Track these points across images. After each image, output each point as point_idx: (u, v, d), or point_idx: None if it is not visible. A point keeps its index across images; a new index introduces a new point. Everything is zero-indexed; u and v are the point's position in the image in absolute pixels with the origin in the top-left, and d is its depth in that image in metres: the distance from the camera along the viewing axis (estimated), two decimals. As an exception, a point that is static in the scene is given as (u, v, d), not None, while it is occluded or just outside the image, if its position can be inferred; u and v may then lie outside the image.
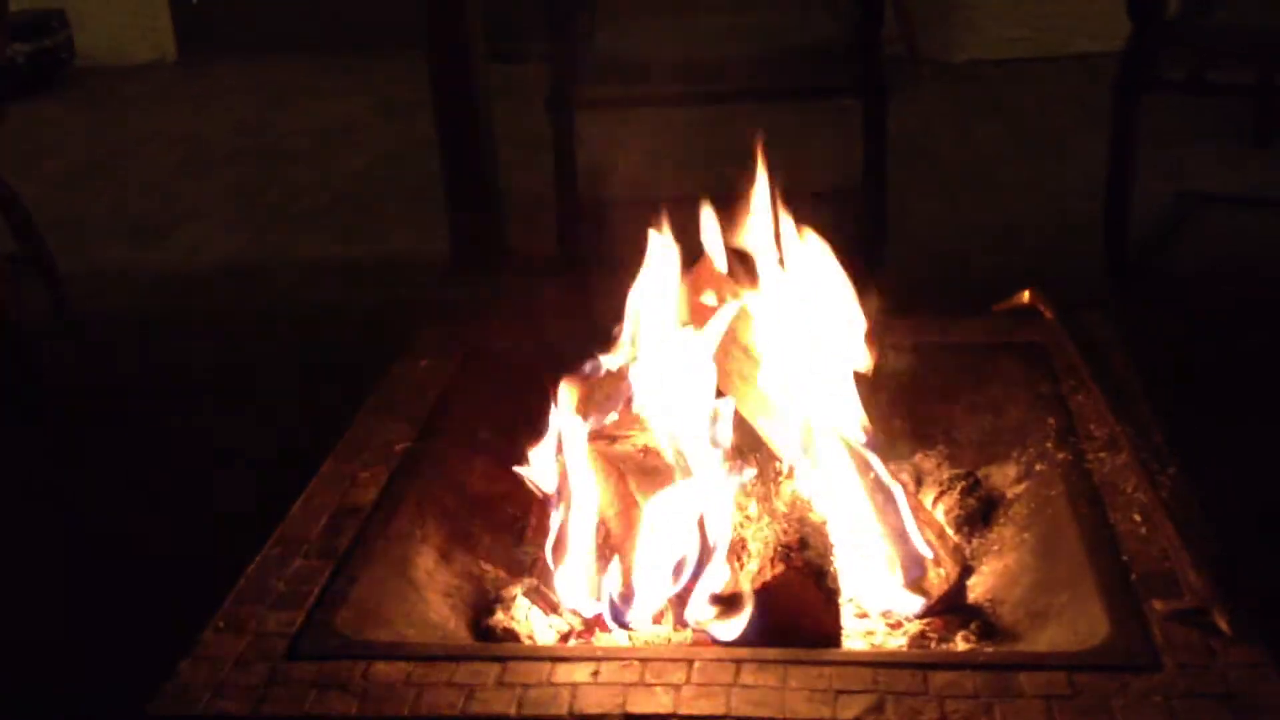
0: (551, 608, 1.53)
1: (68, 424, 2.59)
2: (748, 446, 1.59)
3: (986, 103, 4.49)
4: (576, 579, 1.51)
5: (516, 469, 1.60)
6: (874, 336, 1.58)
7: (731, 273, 1.64)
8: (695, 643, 1.42)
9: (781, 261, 1.62)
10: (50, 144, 4.76)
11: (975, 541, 1.64)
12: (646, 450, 1.54)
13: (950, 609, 1.51)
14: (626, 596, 1.46)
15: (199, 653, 1.31)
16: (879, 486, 1.53)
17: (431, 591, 1.53)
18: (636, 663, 1.27)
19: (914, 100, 4.39)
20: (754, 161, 1.62)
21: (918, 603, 1.50)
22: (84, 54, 5.75)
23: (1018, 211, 3.41)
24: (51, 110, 5.26)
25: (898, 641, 1.47)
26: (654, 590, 1.44)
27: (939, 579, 1.52)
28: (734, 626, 1.37)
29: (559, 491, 1.55)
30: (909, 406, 1.83)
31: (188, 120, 4.99)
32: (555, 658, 1.30)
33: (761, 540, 1.44)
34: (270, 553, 1.49)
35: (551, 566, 1.53)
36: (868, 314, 1.58)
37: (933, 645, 1.45)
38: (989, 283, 2.21)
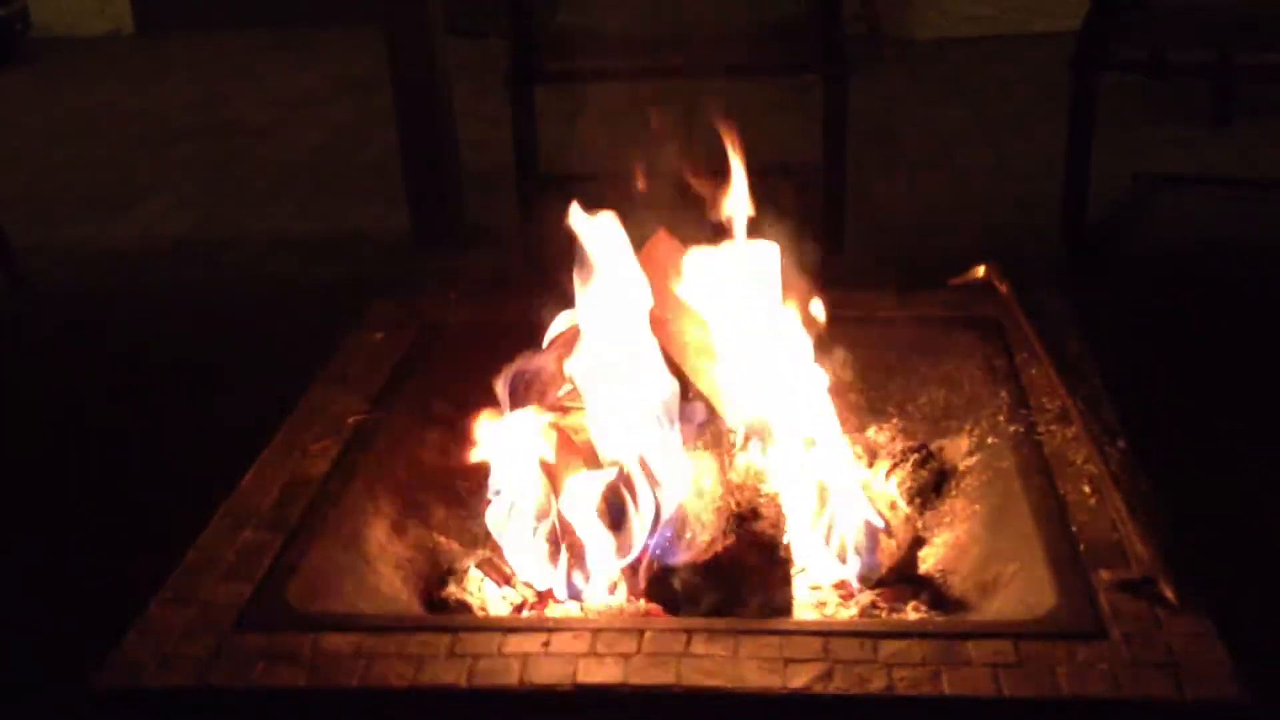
0: (504, 579, 1.53)
1: (24, 398, 2.56)
2: (701, 418, 1.58)
3: (948, 81, 4.50)
4: (529, 550, 1.50)
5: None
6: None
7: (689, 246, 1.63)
8: (646, 613, 1.42)
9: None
10: (5, 117, 4.69)
11: (927, 513, 1.65)
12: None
13: (901, 579, 1.52)
14: (578, 567, 1.45)
15: (145, 624, 1.30)
16: (832, 458, 1.53)
17: (383, 564, 1.52)
18: (587, 633, 1.26)
19: (875, 78, 4.39)
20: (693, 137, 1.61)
21: (870, 573, 1.50)
22: (40, 25, 5.67)
23: (977, 190, 3.42)
24: (7, 82, 5.18)
25: (849, 612, 1.48)
26: (606, 561, 1.44)
27: (891, 550, 1.53)
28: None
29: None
30: (864, 379, 1.83)
31: (145, 94, 4.93)
32: (506, 629, 1.29)
33: (714, 511, 1.44)
34: (220, 524, 1.47)
35: (501, 538, 1.52)
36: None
37: (883, 615, 1.46)
38: (947, 260, 2.21)
